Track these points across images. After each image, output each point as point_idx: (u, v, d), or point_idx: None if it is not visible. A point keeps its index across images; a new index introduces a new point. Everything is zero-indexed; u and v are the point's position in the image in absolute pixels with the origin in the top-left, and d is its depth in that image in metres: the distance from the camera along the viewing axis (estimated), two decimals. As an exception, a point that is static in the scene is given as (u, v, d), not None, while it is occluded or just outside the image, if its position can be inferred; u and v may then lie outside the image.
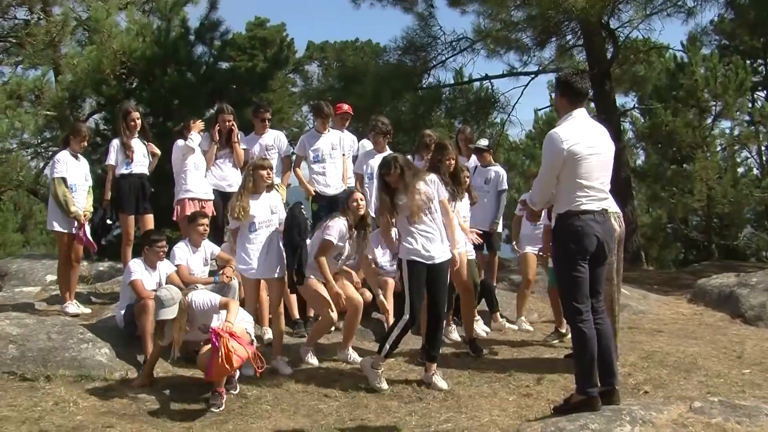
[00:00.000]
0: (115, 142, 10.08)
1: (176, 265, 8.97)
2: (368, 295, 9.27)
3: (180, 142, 10.13)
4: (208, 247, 9.34)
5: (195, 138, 10.10)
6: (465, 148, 11.08)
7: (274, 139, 10.73)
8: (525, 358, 8.74)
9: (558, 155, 6.27)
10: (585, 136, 6.33)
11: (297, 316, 9.49)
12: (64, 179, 9.38)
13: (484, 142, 11.48)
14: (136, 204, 10.05)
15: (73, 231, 9.41)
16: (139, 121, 10.20)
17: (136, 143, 10.13)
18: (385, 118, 11.08)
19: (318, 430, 6.63)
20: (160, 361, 8.23)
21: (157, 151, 10.40)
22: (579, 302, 6.37)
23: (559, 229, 6.46)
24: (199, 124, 10.25)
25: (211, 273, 9.40)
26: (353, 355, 8.52)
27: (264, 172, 8.24)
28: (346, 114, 11.12)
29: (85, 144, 9.82)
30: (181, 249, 9.13)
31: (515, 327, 10.14)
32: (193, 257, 9.16)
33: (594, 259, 6.41)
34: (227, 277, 8.63)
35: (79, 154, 9.70)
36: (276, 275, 8.28)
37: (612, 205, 7.66)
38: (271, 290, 8.37)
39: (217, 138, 10.46)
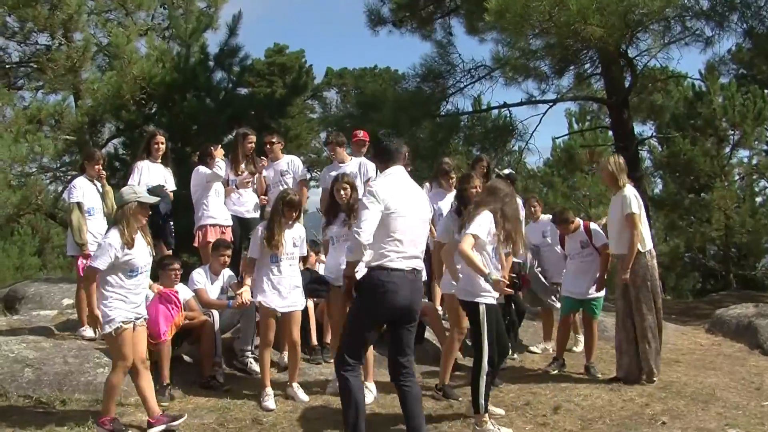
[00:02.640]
0: (139, 164, 10.12)
1: (195, 289, 9.01)
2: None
3: (202, 168, 10.11)
4: (226, 274, 9.41)
5: (221, 165, 10.11)
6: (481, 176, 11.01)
7: (288, 164, 10.77)
8: (542, 387, 8.69)
9: (376, 208, 6.19)
10: (400, 193, 6.35)
11: (315, 342, 9.48)
12: (79, 204, 9.42)
13: (506, 171, 11.44)
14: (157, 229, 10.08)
15: (79, 262, 9.38)
16: (163, 146, 10.25)
17: (157, 167, 10.18)
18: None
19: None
20: (176, 386, 8.27)
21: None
22: (352, 358, 6.28)
23: (366, 282, 6.33)
24: (221, 151, 10.25)
25: (229, 298, 9.45)
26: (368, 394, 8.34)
27: (291, 212, 8.20)
28: (361, 141, 11.06)
29: (100, 168, 9.80)
30: (200, 274, 9.20)
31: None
32: (212, 284, 9.21)
33: (400, 319, 6.35)
34: (242, 302, 8.64)
35: (95, 179, 9.72)
36: (295, 308, 8.27)
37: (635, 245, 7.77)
38: (289, 321, 8.25)
39: (242, 164, 10.54)
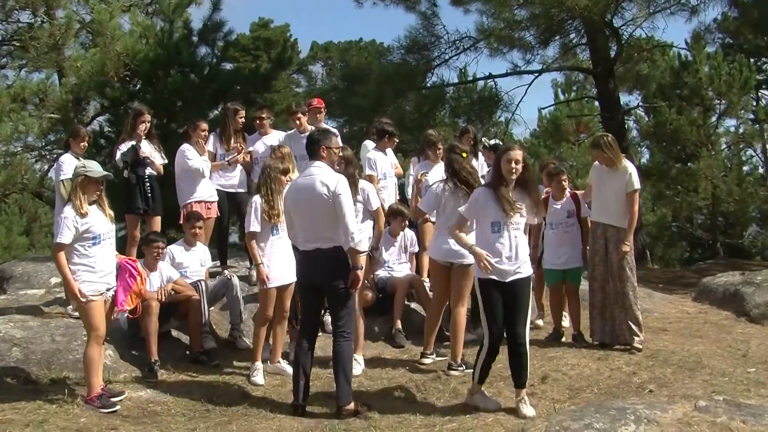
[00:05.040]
0: (123, 146, 10.04)
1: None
2: (370, 295, 9.32)
3: (190, 152, 10.06)
4: (201, 247, 9.51)
5: (206, 165, 10.19)
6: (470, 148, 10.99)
7: (278, 140, 10.69)
8: (529, 357, 8.70)
9: (286, 211, 7.57)
10: (299, 191, 7.31)
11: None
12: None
13: (493, 142, 11.41)
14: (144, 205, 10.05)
15: None
16: (147, 125, 10.17)
17: (143, 145, 10.10)
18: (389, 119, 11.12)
19: (322, 430, 6.64)
20: (164, 362, 8.28)
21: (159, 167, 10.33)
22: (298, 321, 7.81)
23: None
24: (204, 126, 10.24)
25: (213, 275, 9.48)
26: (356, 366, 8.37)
27: (285, 178, 8.22)
28: (316, 108, 10.99)
29: (86, 144, 9.77)
30: (176, 247, 9.31)
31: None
32: (188, 255, 9.30)
33: (323, 292, 7.37)
34: (263, 279, 8.47)
35: (80, 157, 9.64)
36: (293, 280, 8.22)
37: None
38: (283, 292, 8.24)
39: (232, 139, 10.52)
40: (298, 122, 10.55)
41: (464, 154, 8.26)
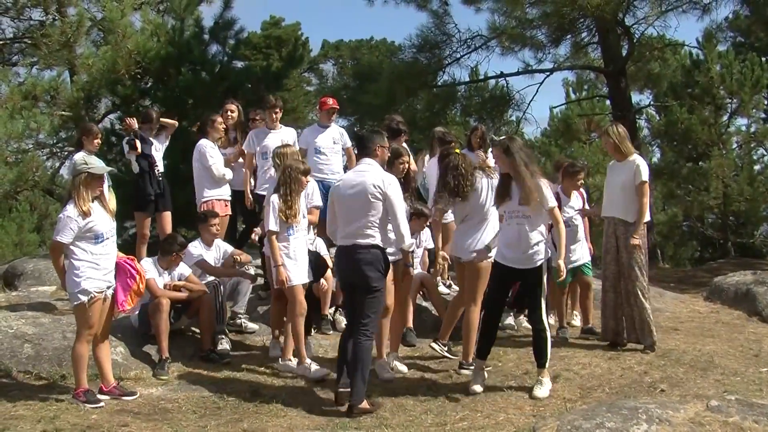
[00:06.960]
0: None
1: (197, 262, 9.15)
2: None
3: (212, 150, 10.16)
4: (222, 246, 9.45)
5: (228, 173, 10.28)
6: (477, 145, 10.96)
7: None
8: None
9: (330, 204, 7.55)
10: (344, 187, 7.30)
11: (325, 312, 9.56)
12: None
13: (502, 138, 11.38)
14: (155, 203, 10.09)
15: None
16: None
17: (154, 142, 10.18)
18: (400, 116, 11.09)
19: (333, 428, 6.63)
20: (175, 359, 8.29)
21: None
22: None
23: None
24: (220, 121, 10.31)
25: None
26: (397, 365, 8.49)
27: (305, 179, 8.27)
28: (332, 108, 11.00)
29: (99, 142, 9.79)
30: (196, 246, 9.23)
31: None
32: (207, 254, 9.25)
33: (357, 288, 7.24)
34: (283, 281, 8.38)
35: (93, 155, 9.65)
36: (306, 280, 8.30)
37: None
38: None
39: (226, 136, 10.57)
40: (274, 116, 10.54)
41: (457, 150, 8.36)
